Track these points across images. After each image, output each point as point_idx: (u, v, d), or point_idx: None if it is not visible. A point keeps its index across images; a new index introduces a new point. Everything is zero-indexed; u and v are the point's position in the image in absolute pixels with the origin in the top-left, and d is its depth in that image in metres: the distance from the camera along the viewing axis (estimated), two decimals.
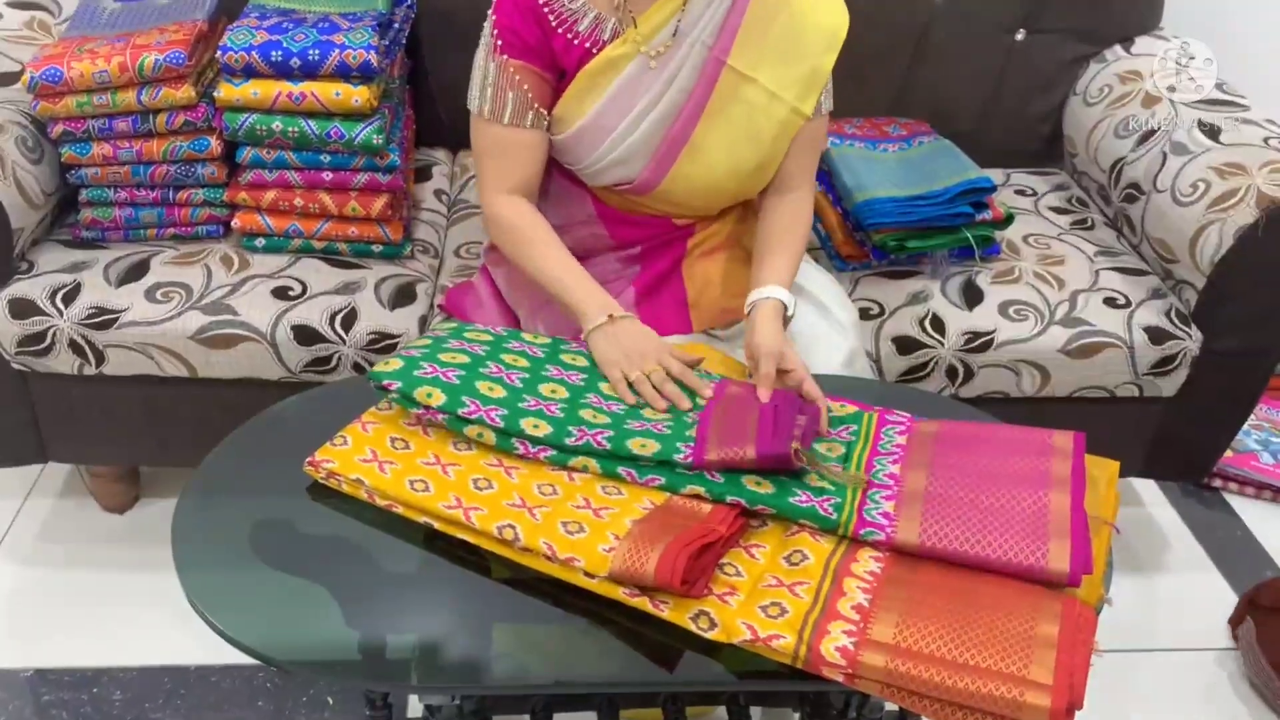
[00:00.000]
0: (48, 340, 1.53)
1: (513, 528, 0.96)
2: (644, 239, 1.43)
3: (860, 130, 1.88)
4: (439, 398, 1.07)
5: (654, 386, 1.15)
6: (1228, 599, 1.82)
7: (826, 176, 1.79)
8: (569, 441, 1.04)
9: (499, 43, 1.30)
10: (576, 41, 1.30)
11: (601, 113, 1.31)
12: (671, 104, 1.31)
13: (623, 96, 1.31)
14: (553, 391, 1.12)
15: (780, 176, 1.40)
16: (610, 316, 1.23)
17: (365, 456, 1.05)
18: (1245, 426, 2.01)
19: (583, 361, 1.20)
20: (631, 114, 1.31)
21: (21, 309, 1.52)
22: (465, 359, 1.13)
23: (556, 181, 1.42)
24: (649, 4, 1.28)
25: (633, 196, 1.38)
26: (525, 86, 1.30)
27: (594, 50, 1.30)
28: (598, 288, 1.29)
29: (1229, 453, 2.04)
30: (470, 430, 1.06)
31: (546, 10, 1.29)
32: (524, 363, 1.16)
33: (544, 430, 1.05)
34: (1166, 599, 1.82)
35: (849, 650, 0.87)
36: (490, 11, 1.32)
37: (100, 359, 1.55)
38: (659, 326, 1.30)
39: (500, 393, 1.09)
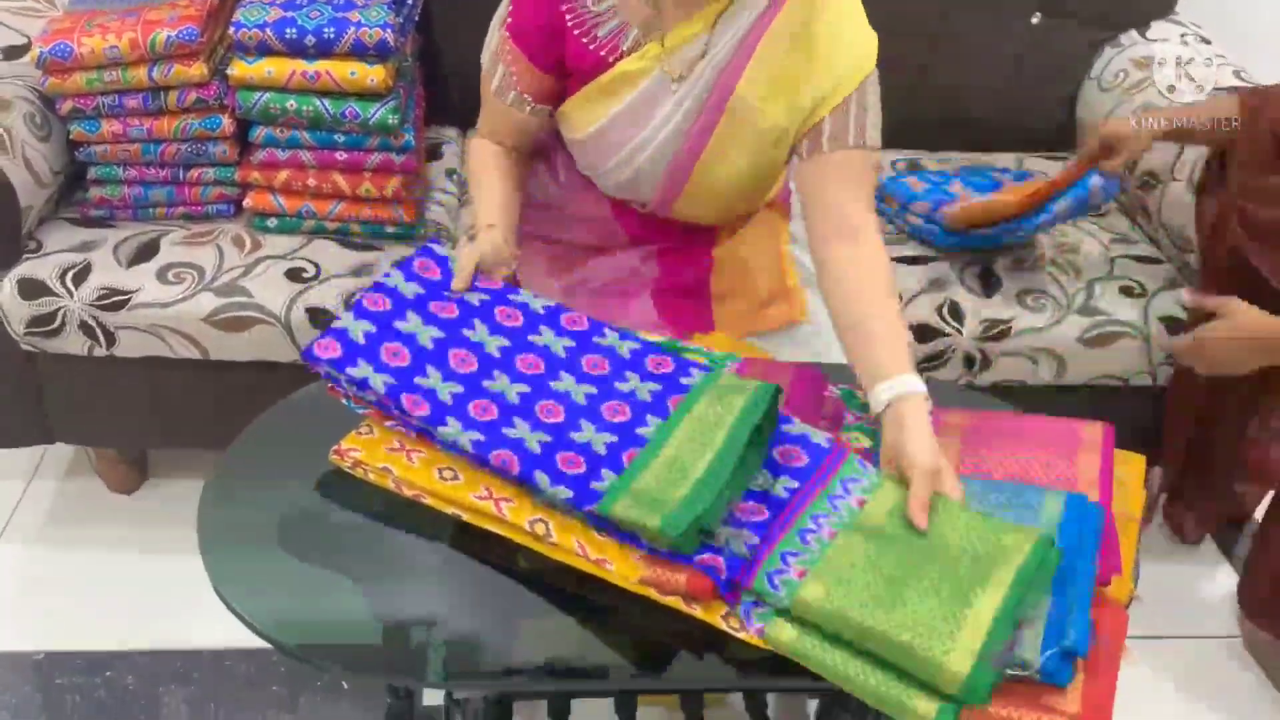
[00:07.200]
0: (58, 321, 1.51)
1: (544, 523, 0.95)
2: (663, 238, 1.40)
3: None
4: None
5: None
6: (1234, 587, 1.83)
7: None
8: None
9: (509, 19, 1.24)
10: (592, 47, 1.23)
11: (609, 126, 1.25)
12: (677, 131, 1.24)
13: (634, 113, 1.24)
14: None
15: (835, 221, 1.19)
16: (469, 235, 1.17)
17: (392, 445, 1.04)
18: None
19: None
20: (639, 136, 1.25)
21: (31, 289, 1.50)
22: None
23: (576, 176, 1.38)
24: (679, 20, 1.20)
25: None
26: (513, 69, 1.25)
27: (610, 59, 1.23)
28: (484, 210, 1.23)
29: None
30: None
31: (565, 10, 1.22)
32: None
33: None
34: (1173, 587, 1.83)
35: None
36: None
37: (111, 340, 1.53)
38: (681, 327, 1.29)
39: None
